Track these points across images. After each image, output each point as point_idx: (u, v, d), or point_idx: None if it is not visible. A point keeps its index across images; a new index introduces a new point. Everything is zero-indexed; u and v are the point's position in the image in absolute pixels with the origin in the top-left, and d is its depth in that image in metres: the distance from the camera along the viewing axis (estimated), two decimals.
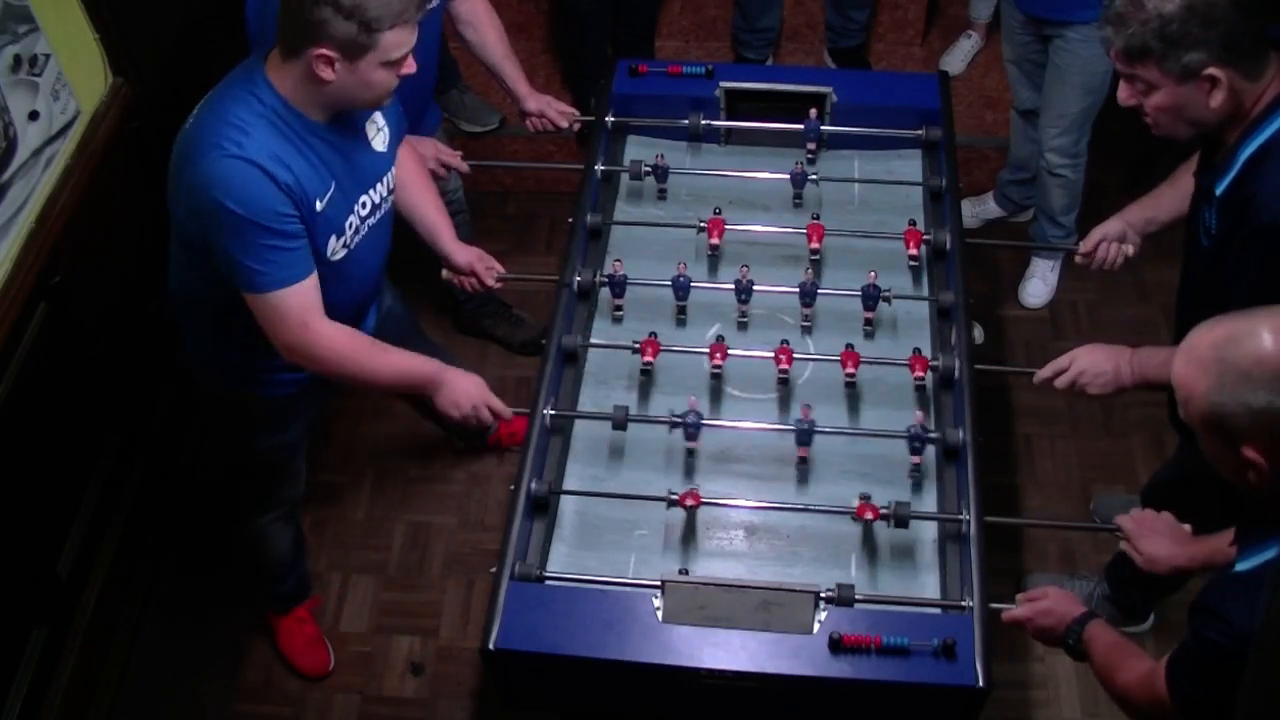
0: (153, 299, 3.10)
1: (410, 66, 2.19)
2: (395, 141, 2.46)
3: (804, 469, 2.45)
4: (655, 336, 2.56)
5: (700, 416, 2.39)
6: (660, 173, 2.88)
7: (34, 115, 2.67)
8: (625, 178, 2.99)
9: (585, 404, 2.59)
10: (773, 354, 2.52)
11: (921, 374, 2.51)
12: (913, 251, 2.72)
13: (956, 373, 2.49)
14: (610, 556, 2.36)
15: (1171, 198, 2.52)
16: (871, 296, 2.60)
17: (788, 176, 2.88)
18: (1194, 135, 2.17)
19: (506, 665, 2.19)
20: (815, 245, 2.71)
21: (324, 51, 2.08)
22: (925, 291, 2.76)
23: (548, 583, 2.24)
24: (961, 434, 2.36)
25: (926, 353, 2.57)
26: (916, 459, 2.38)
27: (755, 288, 2.63)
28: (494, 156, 4.03)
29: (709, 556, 2.36)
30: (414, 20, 2.13)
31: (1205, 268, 2.21)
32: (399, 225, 2.59)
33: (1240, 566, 1.70)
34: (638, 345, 2.54)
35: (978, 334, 3.52)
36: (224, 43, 2.76)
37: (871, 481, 2.42)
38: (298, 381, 2.50)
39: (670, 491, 2.31)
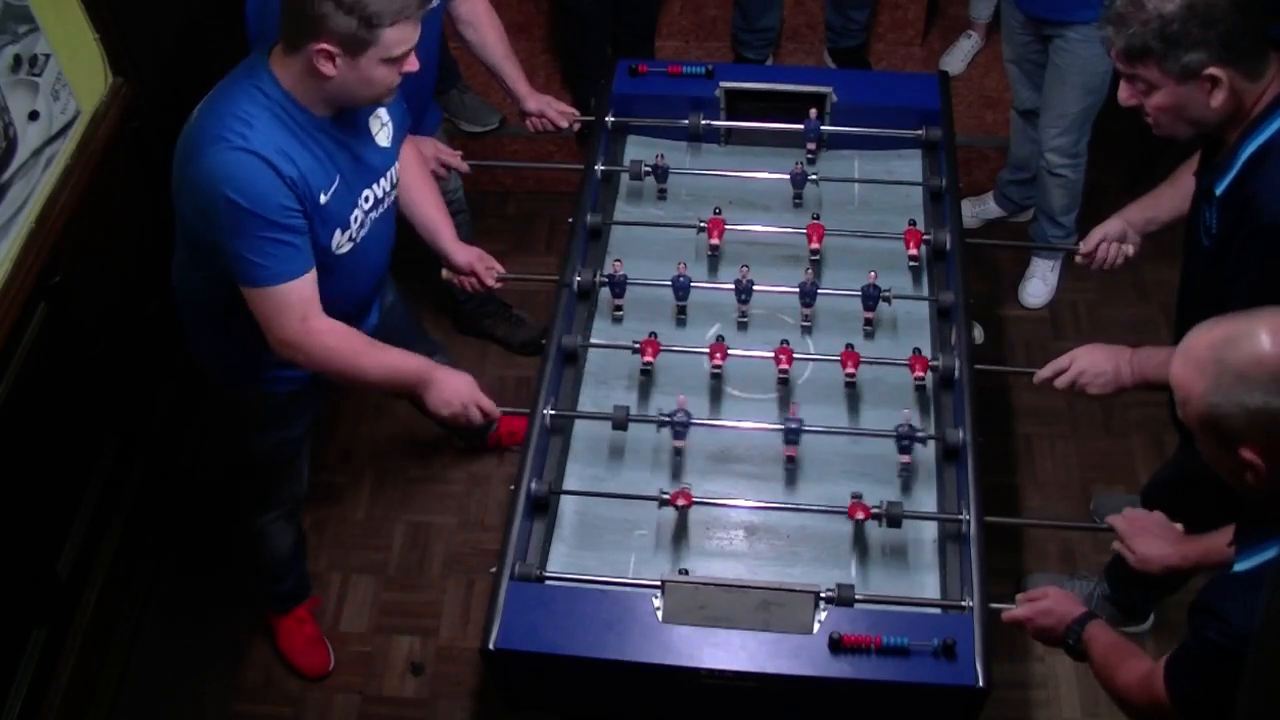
0: (153, 299, 3.10)
1: (413, 64, 2.19)
2: (399, 137, 2.46)
3: (796, 469, 2.45)
4: (655, 336, 2.56)
5: (689, 416, 2.39)
6: (660, 173, 2.88)
7: (34, 115, 2.67)
8: (625, 178, 2.99)
9: (585, 404, 2.59)
10: (773, 354, 2.52)
11: (921, 374, 2.51)
12: (913, 251, 2.72)
13: (956, 373, 2.49)
14: (610, 556, 2.36)
15: (1172, 197, 2.52)
16: (871, 296, 2.60)
17: (788, 176, 2.88)
18: (1194, 135, 2.17)
19: (506, 665, 2.19)
20: (815, 245, 2.71)
21: (325, 46, 2.08)
22: (925, 291, 2.76)
23: (548, 583, 2.24)
24: (961, 434, 2.36)
25: (926, 353, 2.57)
26: (905, 458, 2.39)
27: (755, 288, 2.63)
28: (494, 156, 4.03)
29: (709, 556, 2.36)
30: (416, 17, 2.13)
31: (1205, 267, 2.21)
32: (399, 225, 2.59)
33: (1239, 567, 1.70)
34: (638, 345, 2.54)
35: (978, 334, 3.52)
36: (224, 43, 2.76)
37: (871, 481, 2.42)
38: (299, 379, 2.50)
39: (661, 491, 2.31)
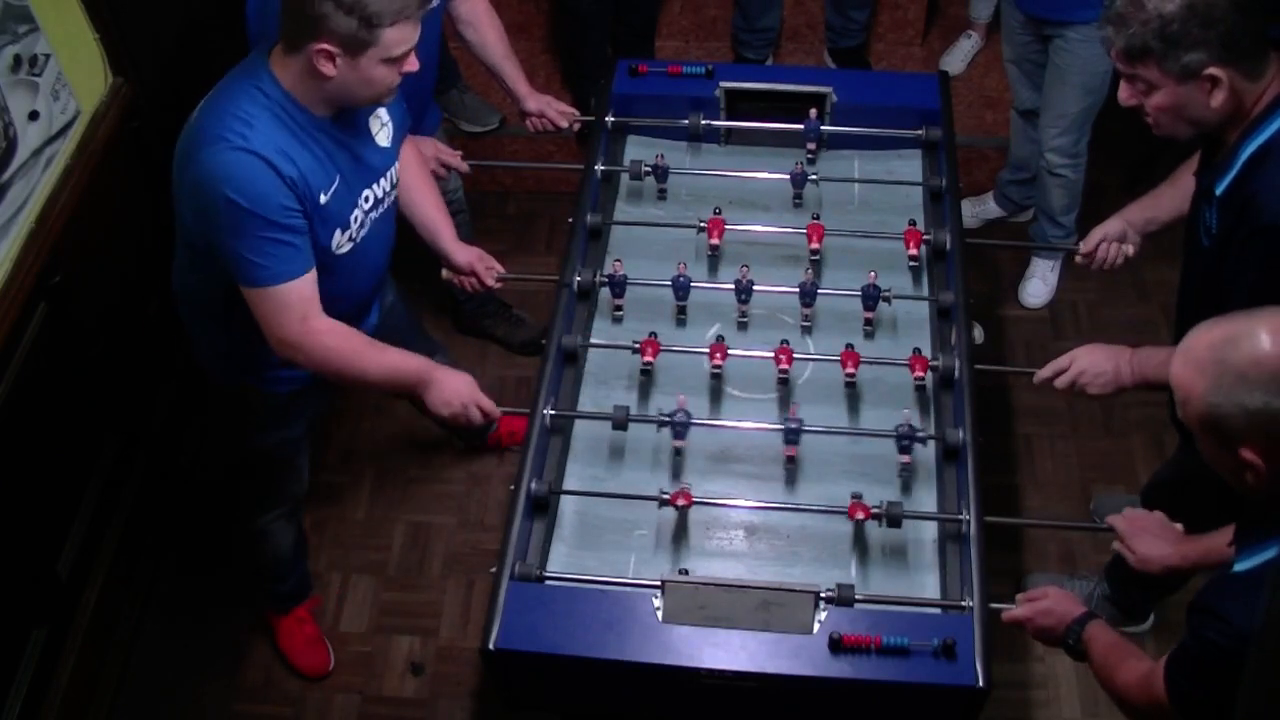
0: (153, 299, 3.10)
1: (413, 64, 2.19)
2: (399, 137, 2.46)
3: (795, 468, 2.45)
4: (655, 336, 2.56)
5: (689, 416, 2.39)
6: (660, 173, 2.88)
7: (34, 115, 2.67)
8: (625, 178, 2.99)
9: (585, 404, 2.59)
10: (773, 354, 2.52)
11: (921, 374, 2.51)
12: (913, 251, 2.72)
13: (956, 373, 2.49)
14: (610, 556, 2.36)
15: (1172, 197, 2.52)
16: (871, 296, 2.60)
17: (788, 176, 2.88)
18: (1194, 135, 2.17)
19: (506, 665, 2.19)
20: (815, 245, 2.71)
21: (325, 46, 2.08)
22: (925, 291, 2.76)
23: (548, 583, 2.24)
24: (961, 434, 2.36)
25: (926, 353, 2.57)
26: (905, 458, 2.39)
27: (755, 288, 2.63)
28: (494, 156, 4.03)
29: (709, 556, 2.36)
30: (416, 17, 2.13)
31: (1205, 267, 2.21)
32: (399, 225, 2.59)
33: (1239, 566, 1.70)
34: (638, 345, 2.54)
35: (978, 334, 3.52)
36: (224, 43, 2.76)
37: (871, 481, 2.42)
38: (300, 379, 2.50)
39: (661, 491, 2.31)
